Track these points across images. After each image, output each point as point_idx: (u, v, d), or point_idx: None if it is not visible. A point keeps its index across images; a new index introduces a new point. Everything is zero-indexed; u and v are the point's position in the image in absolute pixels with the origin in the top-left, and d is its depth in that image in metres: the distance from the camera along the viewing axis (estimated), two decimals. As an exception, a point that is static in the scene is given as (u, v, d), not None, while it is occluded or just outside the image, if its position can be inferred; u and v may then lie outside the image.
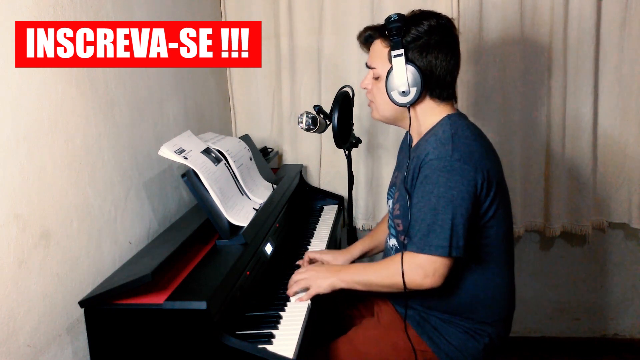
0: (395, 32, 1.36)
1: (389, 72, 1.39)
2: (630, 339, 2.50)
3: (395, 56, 1.37)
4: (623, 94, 2.20)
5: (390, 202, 1.56)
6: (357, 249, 1.74)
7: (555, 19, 2.15)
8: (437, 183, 1.30)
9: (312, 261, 1.69)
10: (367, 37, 1.49)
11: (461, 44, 2.21)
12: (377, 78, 1.46)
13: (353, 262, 1.72)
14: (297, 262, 1.70)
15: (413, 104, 1.40)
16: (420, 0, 2.16)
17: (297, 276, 1.49)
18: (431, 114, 1.43)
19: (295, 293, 1.46)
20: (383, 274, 1.39)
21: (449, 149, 1.31)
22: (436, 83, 1.39)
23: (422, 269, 1.31)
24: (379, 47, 1.44)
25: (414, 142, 1.49)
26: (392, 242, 1.55)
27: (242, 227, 1.51)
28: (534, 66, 2.20)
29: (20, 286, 1.09)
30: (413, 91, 1.38)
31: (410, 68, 1.36)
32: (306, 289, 1.45)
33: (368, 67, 1.49)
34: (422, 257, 1.31)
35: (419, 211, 1.33)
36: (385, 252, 1.62)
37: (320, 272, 1.47)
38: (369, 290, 1.46)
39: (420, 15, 1.40)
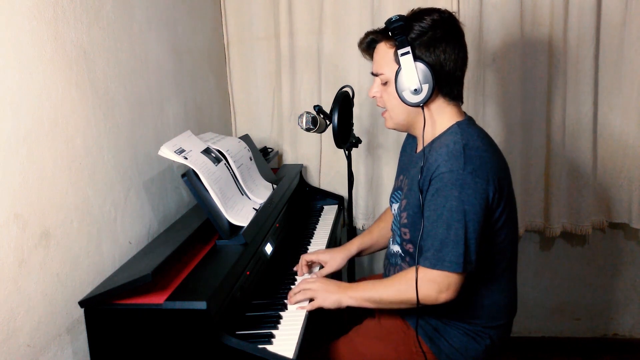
0: (398, 31, 1.32)
1: (397, 73, 1.35)
2: (630, 339, 2.50)
3: (403, 54, 1.32)
4: (623, 93, 2.20)
5: (396, 206, 1.52)
6: (354, 245, 1.73)
7: (555, 19, 2.15)
8: (449, 197, 1.27)
9: (309, 264, 1.66)
10: (369, 42, 1.43)
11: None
12: (385, 83, 1.41)
13: (351, 258, 1.71)
14: (294, 268, 1.66)
15: (426, 102, 1.36)
16: (421, 0, 2.16)
17: (303, 285, 1.45)
18: (442, 115, 1.40)
19: (298, 302, 1.42)
20: (395, 290, 1.36)
21: (461, 162, 1.28)
22: (446, 79, 1.35)
23: (437, 284, 1.29)
24: (384, 50, 1.39)
25: (420, 146, 1.45)
26: (396, 248, 1.52)
27: (242, 227, 1.51)
28: (534, 66, 2.20)
29: (20, 286, 1.09)
30: (425, 88, 1.33)
31: (420, 65, 1.32)
32: (309, 301, 1.42)
33: (374, 75, 1.43)
34: (436, 273, 1.29)
35: (431, 225, 1.30)
36: (387, 257, 1.60)
37: (329, 285, 1.44)
38: (379, 308, 1.44)
39: (422, 12, 1.36)
